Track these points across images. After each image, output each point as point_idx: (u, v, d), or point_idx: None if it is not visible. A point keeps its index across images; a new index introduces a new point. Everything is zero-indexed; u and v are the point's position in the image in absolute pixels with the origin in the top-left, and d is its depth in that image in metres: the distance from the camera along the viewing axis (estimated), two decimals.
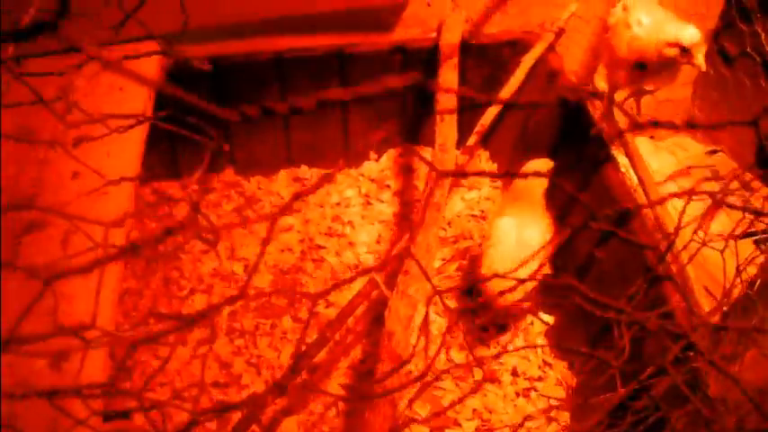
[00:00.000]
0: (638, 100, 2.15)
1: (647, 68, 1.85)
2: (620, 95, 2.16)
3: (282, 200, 2.45)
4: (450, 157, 2.06)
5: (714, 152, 2.60)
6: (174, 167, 2.47)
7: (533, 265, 1.99)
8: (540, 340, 2.15)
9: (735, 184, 2.50)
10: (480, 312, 2.17)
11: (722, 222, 2.45)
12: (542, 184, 2.04)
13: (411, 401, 1.84)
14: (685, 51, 1.76)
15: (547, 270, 2.12)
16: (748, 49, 2.30)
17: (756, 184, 2.54)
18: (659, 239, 1.95)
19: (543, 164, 2.06)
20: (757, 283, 1.63)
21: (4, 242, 1.66)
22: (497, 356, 2.09)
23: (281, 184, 2.50)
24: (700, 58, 1.74)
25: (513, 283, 1.97)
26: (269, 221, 2.26)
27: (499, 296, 1.97)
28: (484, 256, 2.06)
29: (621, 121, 2.18)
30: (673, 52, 1.78)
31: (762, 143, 2.71)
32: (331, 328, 1.88)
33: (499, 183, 2.47)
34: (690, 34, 1.75)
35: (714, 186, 2.57)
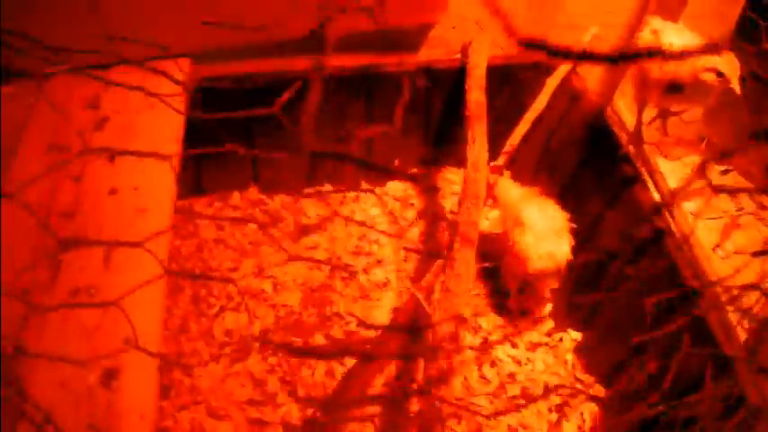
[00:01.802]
0: (664, 120, 2.20)
1: (683, 91, 1.89)
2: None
3: (307, 218, 2.46)
4: (482, 177, 2.09)
5: (727, 172, 2.67)
6: (197, 185, 2.47)
7: (565, 240, 2.11)
8: (570, 356, 2.18)
9: (750, 205, 2.58)
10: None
11: (735, 242, 2.52)
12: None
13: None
14: (721, 76, 1.81)
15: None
16: (755, 70, 2.36)
17: None
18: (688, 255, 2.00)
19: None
20: None
21: (45, 261, 1.66)
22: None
23: (305, 202, 2.51)
24: (735, 83, 1.79)
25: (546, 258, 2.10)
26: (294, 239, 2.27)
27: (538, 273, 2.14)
28: (518, 243, 2.16)
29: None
30: (710, 77, 1.83)
31: None
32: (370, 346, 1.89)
33: None
34: (726, 60, 1.80)
35: (729, 203, 2.64)
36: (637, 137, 2.15)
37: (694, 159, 2.68)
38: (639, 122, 2.14)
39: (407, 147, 2.53)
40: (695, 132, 2.76)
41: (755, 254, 2.45)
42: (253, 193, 2.52)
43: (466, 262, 1.92)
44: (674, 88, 1.91)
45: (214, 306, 2.23)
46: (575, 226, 2.18)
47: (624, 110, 2.32)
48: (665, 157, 2.66)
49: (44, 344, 1.50)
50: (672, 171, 2.44)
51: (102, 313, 1.61)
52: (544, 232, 2.13)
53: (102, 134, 2.04)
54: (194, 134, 1.98)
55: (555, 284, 2.17)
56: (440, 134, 2.53)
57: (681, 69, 1.89)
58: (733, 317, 1.87)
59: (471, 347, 2.16)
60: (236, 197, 2.49)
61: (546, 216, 2.18)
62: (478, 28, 2.39)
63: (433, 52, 2.42)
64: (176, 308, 2.22)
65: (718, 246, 2.45)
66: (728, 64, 1.81)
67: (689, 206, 2.46)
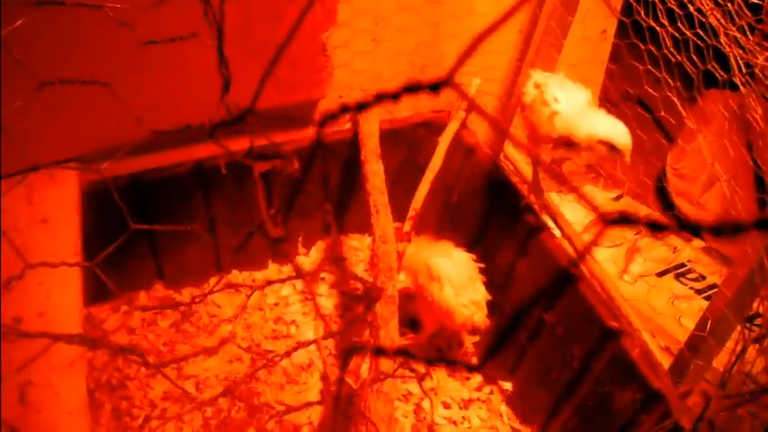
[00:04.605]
0: (559, 165, 2.27)
1: (575, 146, 1.95)
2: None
3: (219, 308, 2.40)
4: (392, 248, 2.09)
5: (619, 198, 2.77)
6: (102, 289, 2.37)
7: (479, 283, 2.17)
8: (503, 408, 2.20)
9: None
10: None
11: (640, 264, 2.61)
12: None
13: None
14: (614, 150, 1.88)
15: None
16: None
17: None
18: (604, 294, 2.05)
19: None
20: (708, 324, 1.74)
21: None
22: None
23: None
24: (627, 158, 1.87)
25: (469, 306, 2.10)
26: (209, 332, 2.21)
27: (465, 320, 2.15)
28: (438, 299, 2.14)
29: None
30: (602, 149, 1.89)
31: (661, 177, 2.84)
32: None
33: None
34: (622, 137, 1.87)
35: (626, 229, 2.73)
36: (536, 187, 2.20)
37: (588, 189, 2.77)
38: (536, 173, 2.19)
39: (310, 220, 2.52)
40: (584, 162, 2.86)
41: (660, 274, 2.56)
42: (159, 289, 2.44)
43: (390, 339, 1.92)
44: (568, 144, 1.96)
45: (138, 417, 2.14)
46: (483, 266, 2.22)
47: (518, 158, 2.38)
48: (560, 193, 2.75)
49: None
50: (563, 205, 2.51)
51: None
52: (461, 281, 2.14)
53: None
54: (91, 240, 1.92)
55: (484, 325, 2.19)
56: (339, 203, 2.53)
57: (573, 129, 1.94)
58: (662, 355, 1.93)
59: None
60: (142, 297, 2.41)
61: (457, 265, 2.19)
62: (365, 95, 2.40)
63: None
64: (98, 426, 2.13)
65: (624, 272, 2.54)
66: (623, 140, 1.88)
67: (588, 238, 2.54)
